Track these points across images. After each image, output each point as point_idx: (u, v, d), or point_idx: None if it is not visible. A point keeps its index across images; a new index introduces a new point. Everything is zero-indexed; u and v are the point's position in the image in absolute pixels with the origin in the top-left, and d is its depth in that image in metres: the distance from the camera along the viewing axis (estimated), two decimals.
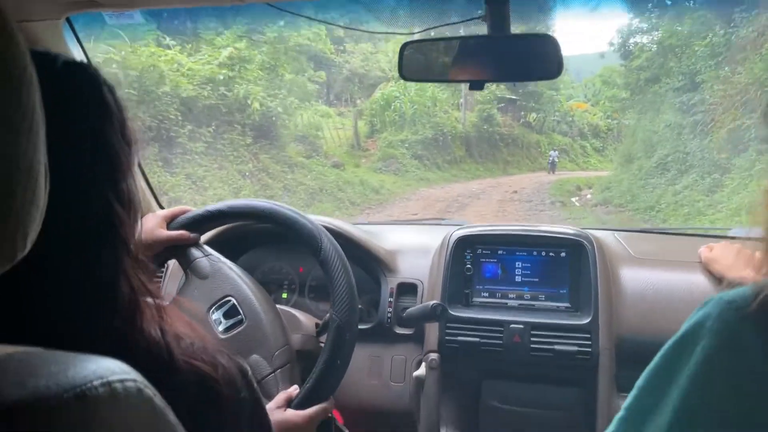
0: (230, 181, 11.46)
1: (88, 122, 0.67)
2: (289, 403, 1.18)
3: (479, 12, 1.22)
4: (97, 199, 0.67)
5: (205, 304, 1.33)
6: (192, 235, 1.40)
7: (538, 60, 1.17)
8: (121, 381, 0.48)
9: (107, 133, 0.69)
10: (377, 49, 20.36)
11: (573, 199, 14.85)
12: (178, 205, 1.50)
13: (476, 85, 1.22)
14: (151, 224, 1.37)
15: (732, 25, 12.07)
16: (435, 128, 18.23)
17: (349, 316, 1.26)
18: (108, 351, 0.61)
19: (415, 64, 1.28)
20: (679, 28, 14.51)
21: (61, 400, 0.42)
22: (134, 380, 0.49)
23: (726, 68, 12.07)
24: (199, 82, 11.94)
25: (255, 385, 0.79)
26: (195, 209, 1.47)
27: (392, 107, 17.86)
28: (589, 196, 15.29)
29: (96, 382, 0.45)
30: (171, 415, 0.53)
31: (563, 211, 13.38)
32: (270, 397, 1.18)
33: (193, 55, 12.40)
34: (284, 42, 14.96)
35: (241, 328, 1.30)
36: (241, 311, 1.31)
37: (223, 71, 12.49)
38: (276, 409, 1.15)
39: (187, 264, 1.39)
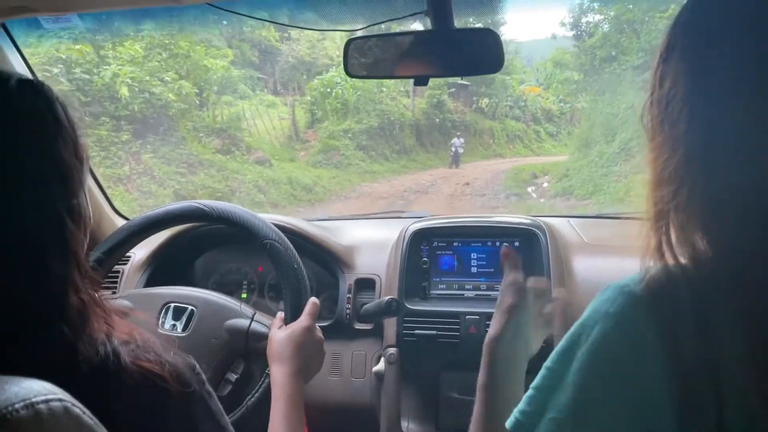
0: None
1: (43, 141, 0.75)
2: (285, 322, 1.35)
3: (422, 7, 1.35)
4: (51, 215, 0.74)
5: (151, 324, 1.44)
6: None
7: (481, 54, 1.31)
8: (46, 401, 0.52)
9: (61, 151, 0.77)
10: (324, 35, 20.40)
11: (529, 189, 15.16)
12: None
13: (421, 81, 1.35)
14: None
15: None
16: (381, 116, 18.35)
17: (275, 233, 1.43)
18: (58, 360, 0.70)
19: (360, 60, 1.40)
20: (631, 6, 14.96)
21: None
22: (60, 399, 0.54)
23: None
24: (40, 61, 9.64)
25: (204, 378, 0.87)
26: None
27: (333, 94, 17.83)
28: (546, 184, 15.63)
29: (18, 405, 0.49)
30: (102, 431, 0.59)
31: (519, 206, 13.41)
32: (265, 336, 1.35)
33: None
34: (177, 13, 13.23)
35: (196, 315, 1.43)
36: (185, 303, 1.45)
37: (80, 47, 10.43)
38: (279, 330, 1.31)
39: None
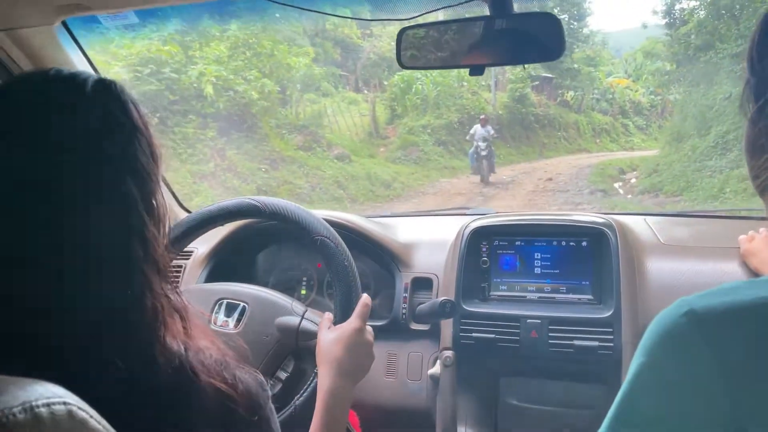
0: (179, 185, 9.14)
1: (119, 144, 0.75)
2: (334, 322, 1.32)
3: None
4: (132, 217, 0.74)
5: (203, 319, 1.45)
6: None
7: (541, 40, 1.22)
8: (48, 405, 0.49)
9: (137, 153, 0.76)
10: None
11: (616, 185, 14.57)
12: None
13: (476, 70, 1.27)
14: None
15: None
16: (461, 111, 18.10)
17: (326, 230, 1.40)
18: (130, 366, 0.69)
19: (414, 50, 1.34)
20: None
21: None
22: (64, 402, 0.51)
23: None
24: (132, 62, 10.37)
25: (270, 394, 0.87)
26: None
27: (413, 90, 17.76)
28: (634, 180, 15.01)
29: (16, 408, 0.46)
30: None
31: (605, 203, 12.78)
32: (316, 334, 1.32)
33: (135, 30, 10.57)
34: (260, 12, 13.27)
35: (248, 311, 1.43)
36: (237, 300, 1.45)
37: (168, 48, 10.83)
38: (327, 331, 1.28)
39: None
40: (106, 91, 0.76)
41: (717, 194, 11.20)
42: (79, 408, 0.53)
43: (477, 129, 14.33)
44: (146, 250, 0.75)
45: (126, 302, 0.72)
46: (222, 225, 1.67)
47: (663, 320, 0.69)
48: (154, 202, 0.78)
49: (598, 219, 1.70)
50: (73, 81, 0.75)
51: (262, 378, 0.86)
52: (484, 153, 14.08)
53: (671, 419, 0.66)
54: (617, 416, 0.71)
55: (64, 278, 0.69)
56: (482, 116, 15.07)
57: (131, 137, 0.76)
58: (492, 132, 14.47)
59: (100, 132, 0.73)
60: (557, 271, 1.70)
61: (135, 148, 0.76)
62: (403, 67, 1.38)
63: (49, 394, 0.51)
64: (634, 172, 15.82)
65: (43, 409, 0.49)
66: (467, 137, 15.01)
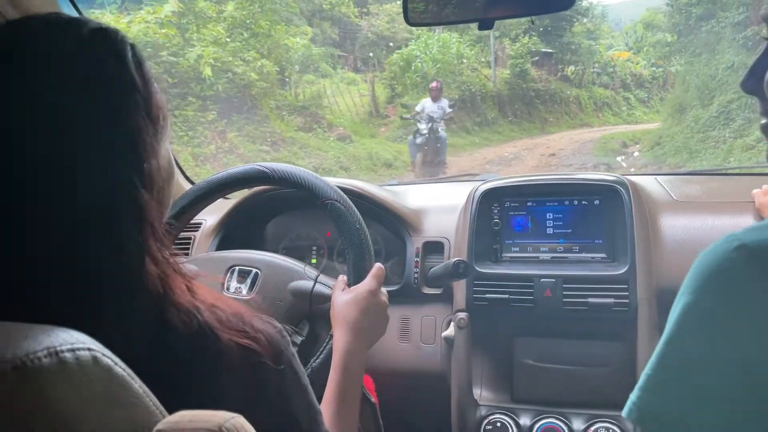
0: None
1: (110, 100, 0.69)
2: (348, 285, 1.31)
3: None
4: (121, 183, 0.69)
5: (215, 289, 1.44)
6: None
7: None
8: (72, 350, 0.49)
9: (129, 112, 0.70)
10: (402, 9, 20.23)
11: (619, 159, 14.51)
12: None
13: (485, 24, 1.24)
14: None
15: None
16: (462, 88, 17.95)
17: (336, 194, 1.38)
18: (144, 331, 0.67)
19: (421, 6, 1.31)
20: None
21: None
22: (89, 349, 0.51)
23: None
24: None
25: (290, 339, 0.85)
26: None
27: (413, 68, 17.63)
28: (636, 153, 14.95)
29: (41, 353, 0.46)
30: (135, 384, 0.55)
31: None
32: (329, 298, 1.31)
33: (131, 14, 10.68)
34: None
35: (261, 276, 1.42)
36: (249, 266, 1.44)
37: (165, 31, 10.68)
38: (342, 293, 1.27)
39: None
40: (104, 39, 0.71)
41: (721, 164, 11.16)
42: (104, 355, 0.52)
43: (426, 104, 10.24)
44: (139, 217, 0.70)
45: (120, 265, 0.68)
46: (230, 193, 1.65)
47: (711, 257, 0.67)
48: (147, 166, 0.72)
49: (610, 177, 1.69)
50: (70, 23, 0.70)
51: (280, 325, 0.84)
52: (425, 129, 9.92)
53: (722, 359, 0.64)
54: (662, 360, 0.69)
55: (51, 231, 0.65)
56: (433, 83, 10.69)
57: (124, 94, 0.71)
58: (449, 110, 10.38)
59: (88, 82, 0.68)
60: (570, 230, 1.69)
61: (128, 107, 0.70)
62: (411, 24, 1.35)
63: (74, 340, 0.50)
64: (637, 145, 15.75)
65: (68, 354, 0.49)
66: (409, 115, 11.08)
